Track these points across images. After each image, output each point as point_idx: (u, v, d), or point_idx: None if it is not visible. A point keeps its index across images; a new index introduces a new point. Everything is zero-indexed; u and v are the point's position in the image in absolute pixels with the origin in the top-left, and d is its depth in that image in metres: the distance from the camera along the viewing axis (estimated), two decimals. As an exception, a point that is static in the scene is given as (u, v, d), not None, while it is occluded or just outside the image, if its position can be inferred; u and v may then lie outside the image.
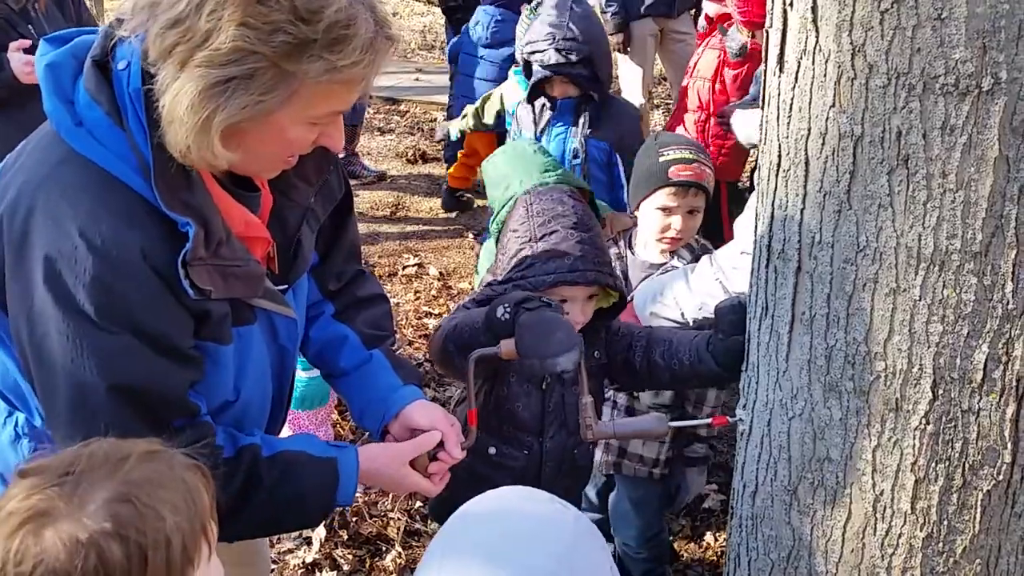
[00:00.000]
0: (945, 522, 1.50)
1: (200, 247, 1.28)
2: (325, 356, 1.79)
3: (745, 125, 2.59)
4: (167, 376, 1.34)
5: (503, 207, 2.36)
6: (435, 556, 1.12)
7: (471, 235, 5.62)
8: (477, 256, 4.57)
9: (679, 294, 2.20)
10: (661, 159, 2.47)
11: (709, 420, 1.90)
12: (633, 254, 2.53)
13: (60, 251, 1.24)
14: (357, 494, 3.16)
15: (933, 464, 1.47)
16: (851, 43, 1.35)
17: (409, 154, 6.88)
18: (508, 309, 1.70)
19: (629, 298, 2.38)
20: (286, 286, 1.58)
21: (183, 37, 1.18)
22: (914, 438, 1.47)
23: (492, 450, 2.02)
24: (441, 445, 1.66)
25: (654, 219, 2.47)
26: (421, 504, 3.14)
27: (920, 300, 1.40)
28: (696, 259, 2.43)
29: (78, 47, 1.33)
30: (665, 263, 2.48)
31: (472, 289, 4.78)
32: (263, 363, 1.56)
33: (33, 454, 1.18)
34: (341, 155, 6.07)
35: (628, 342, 2.04)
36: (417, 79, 8.62)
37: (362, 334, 1.77)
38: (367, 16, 1.24)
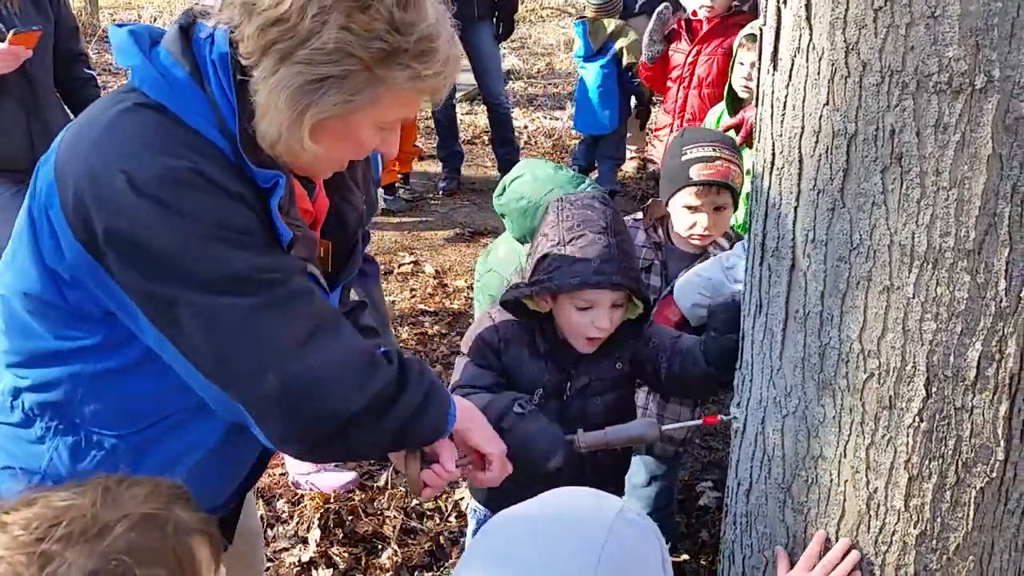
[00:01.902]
0: (939, 519, 1.50)
1: (284, 200, 1.37)
2: None
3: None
4: (289, 262, 1.39)
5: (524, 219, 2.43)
6: (472, 554, 1.15)
7: (467, 232, 5.63)
8: (474, 256, 4.57)
9: (719, 284, 2.19)
10: (683, 158, 2.46)
11: (700, 421, 1.90)
12: (672, 243, 2.54)
13: (157, 172, 1.26)
14: (353, 490, 3.17)
15: (927, 462, 1.47)
16: (845, 41, 1.35)
17: (406, 151, 6.87)
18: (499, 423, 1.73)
19: (667, 291, 2.38)
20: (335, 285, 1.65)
21: (285, 35, 1.26)
22: (908, 436, 1.47)
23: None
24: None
25: (681, 217, 2.47)
26: (417, 503, 3.14)
27: (914, 298, 1.40)
28: (732, 246, 2.45)
29: (152, 29, 1.39)
30: (703, 252, 2.49)
31: (469, 285, 4.78)
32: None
33: (23, 492, 1.15)
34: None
35: (657, 353, 2.02)
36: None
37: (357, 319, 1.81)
38: (448, 34, 1.35)
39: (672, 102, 4.43)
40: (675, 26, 4.42)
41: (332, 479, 3.16)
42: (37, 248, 1.35)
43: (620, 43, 5.66)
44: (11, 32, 2.94)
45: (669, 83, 4.46)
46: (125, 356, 1.40)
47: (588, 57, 5.77)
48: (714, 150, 2.46)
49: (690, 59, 4.32)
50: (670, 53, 4.42)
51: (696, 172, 2.42)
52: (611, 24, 5.70)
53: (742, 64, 3.43)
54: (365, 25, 1.26)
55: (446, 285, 4.94)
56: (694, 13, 4.37)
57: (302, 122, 1.30)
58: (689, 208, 2.45)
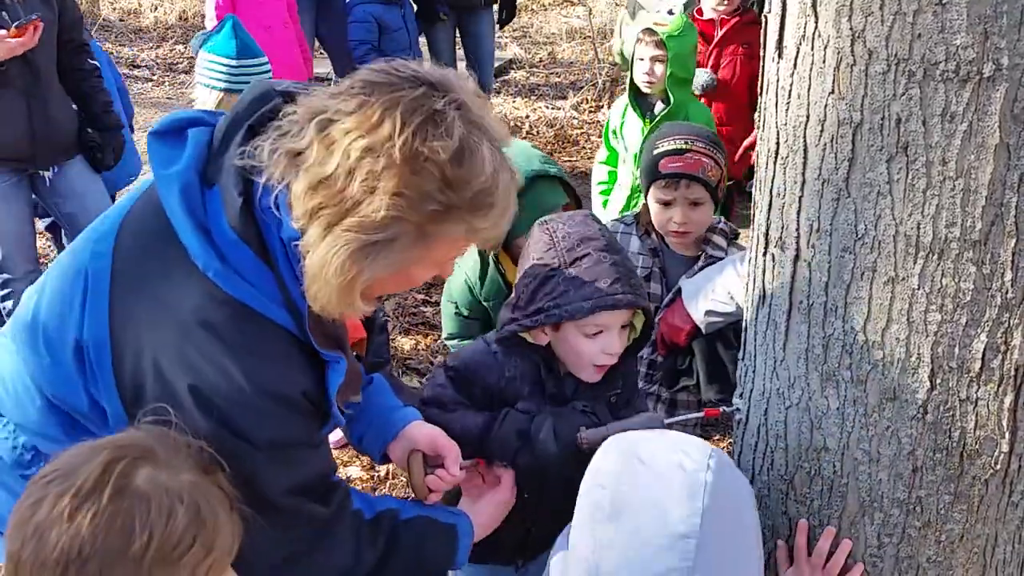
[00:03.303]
0: (942, 511, 1.50)
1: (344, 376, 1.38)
2: None
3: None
4: (323, 462, 1.46)
5: None
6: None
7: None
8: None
9: (733, 287, 2.14)
10: (655, 152, 2.42)
11: (701, 413, 1.89)
12: (668, 247, 2.50)
13: (217, 390, 1.26)
14: (356, 476, 3.17)
15: (930, 453, 1.47)
16: (851, 28, 1.34)
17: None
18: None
19: (669, 297, 2.36)
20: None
21: (332, 200, 1.19)
22: (911, 427, 1.46)
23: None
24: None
25: (656, 212, 2.43)
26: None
27: (919, 289, 1.39)
28: (730, 243, 2.42)
29: (197, 159, 1.31)
30: (701, 254, 2.45)
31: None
32: None
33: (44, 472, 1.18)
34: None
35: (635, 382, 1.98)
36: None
37: (362, 360, 1.80)
38: (506, 183, 1.27)
39: None
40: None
41: None
42: (87, 380, 1.34)
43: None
44: (14, 25, 2.93)
45: None
46: None
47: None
48: (685, 143, 2.38)
49: (710, 62, 4.18)
50: None
51: (664, 165, 2.38)
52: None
53: (642, 60, 3.36)
54: (416, 188, 1.17)
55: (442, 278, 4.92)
56: (699, 12, 4.24)
57: (353, 287, 1.24)
58: (662, 203, 2.41)
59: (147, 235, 1.33)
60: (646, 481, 1.24)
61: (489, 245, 1.38)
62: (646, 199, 2.49)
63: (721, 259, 2.38)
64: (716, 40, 4.14)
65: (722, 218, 2.54)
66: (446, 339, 2.76)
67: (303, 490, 1.39)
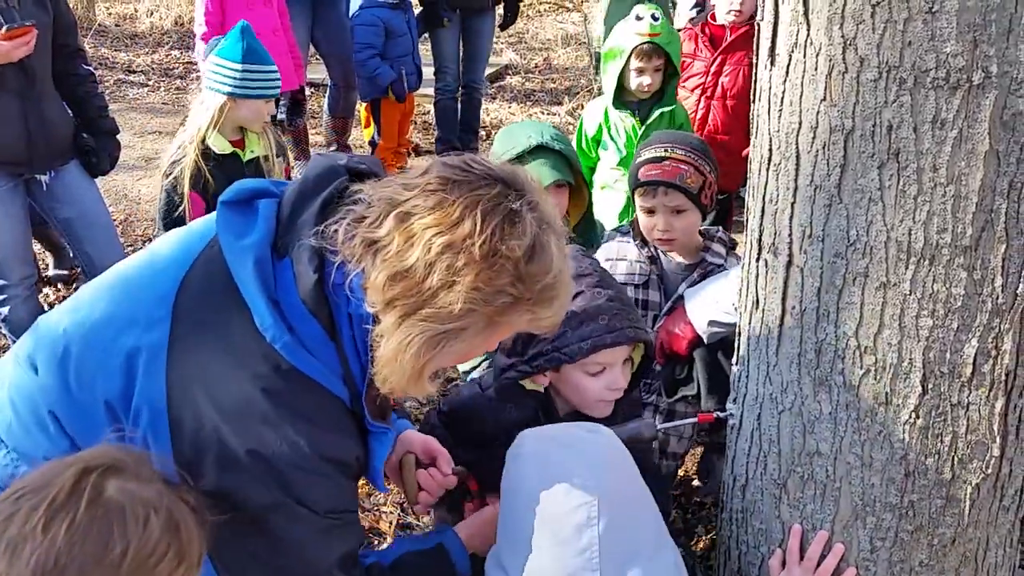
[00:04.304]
0: (934, 515, 1.50)
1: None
2: None
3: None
4: (360, 529, 1.52)
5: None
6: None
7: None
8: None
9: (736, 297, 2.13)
10: (637, 160, 2.45)
11: (694, 419, 1.89)
12: (666, 255, 2.50)
13: (281, 457, 1.29)
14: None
15: (922, 458, 1.47)
16: (842, 36, 1.35)
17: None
18: None
19: (669, 305, 2.36)
20: None
21: (410, 291, 1.22)
22: (903, 432, 1.47)
23: None
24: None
25: (642, 220, 2.45)
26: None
27: (910, 294, 1.40)
28: (729, 252, 2.42)
29: (268, 232, 1.34)
30: (699, 262, 2.45)
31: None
32: None
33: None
34: (332, 148, 5.96)
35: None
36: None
37: None
38: (568, 277, 1.32)
39: (691, 112, 4.26)
40: (696, 31, 4.25)
41: None
42: (119, 431, 1.32)
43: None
44: (4, 28, 2.93)
45: (683, 91, 4.28)
46: None
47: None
48: (665, 150, 2.40)
49: (713, 68, 4.16)
50: (687, 61, 4.22)
51: (644, 173, 2.39)
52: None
53: (640, 71, 3.38)
54: (491, 282, 1.22)
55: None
56: (712, 17, 4.22)
57: (423, 373, 1.29)
58: (645, 210, 2.41)
59: (209, 303, 1.34)
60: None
61: (545, 331, 1.42)
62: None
63: (720, 267, 2.39)
64: (722, 48, 4.12)
65: (720, 228, 2.55)
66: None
67: (350, 561, 1.45)
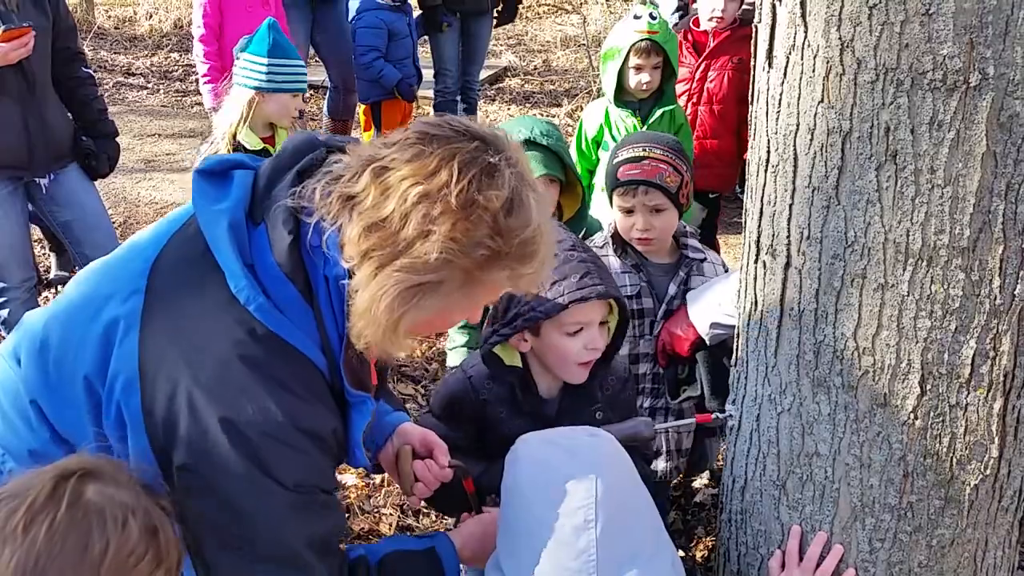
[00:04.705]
0: (933, 516, 1.51)
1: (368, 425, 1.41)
2: None
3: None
4: (338, 516, 1.47)
5: None
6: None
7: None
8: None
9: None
10: (615, 160, 2.46)
11: (693, 420, 1.90)
12: (647, 260, 2.50)
13: (252, 424, 1.26)
14: (352, 483, 3.17)
15: (921, 459, 1.48)
16: (840, 38, 1.35)
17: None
18: None
19: (663, 310, 2.36)
20: None
21: (386, 242, 1.21)
22: (902, 433, 1.47)
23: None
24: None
25: (620, 221, 2.46)
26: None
27: (908, 295, 1.40)
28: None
29: (243, 199, 1.34)
30: (680, 259, 2.45)
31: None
32: None
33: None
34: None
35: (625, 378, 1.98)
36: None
37: None
38: (549, 234, 1.31)
39: None
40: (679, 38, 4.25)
41: None
42: (97, 413, 1.33)
43: None
44: (2, 29, 2.93)
45: None
46: None
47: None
48: (643, 150, 2.41)
49: (698, 74, 4.16)
50: None
51: (623, 173, 2.40)
52: None
53: (639, 68, 3.41)
54: (468, 233, 1.21)
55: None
56: (696, 23, 4.22)
57: (399, 327, 1.26)
58: (624, 210, 2.42)
59: (184, 271, 1.34)
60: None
61: (522, 292, 1.41)
62: (611, 208, 2.51)
63: (702, 260, 2.42)
64: (706, 53, 4.12)
65: (685, 224, 2.56)
66: (451, 347, 2.78)
67: (322, 545, 1.39)
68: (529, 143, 2.50)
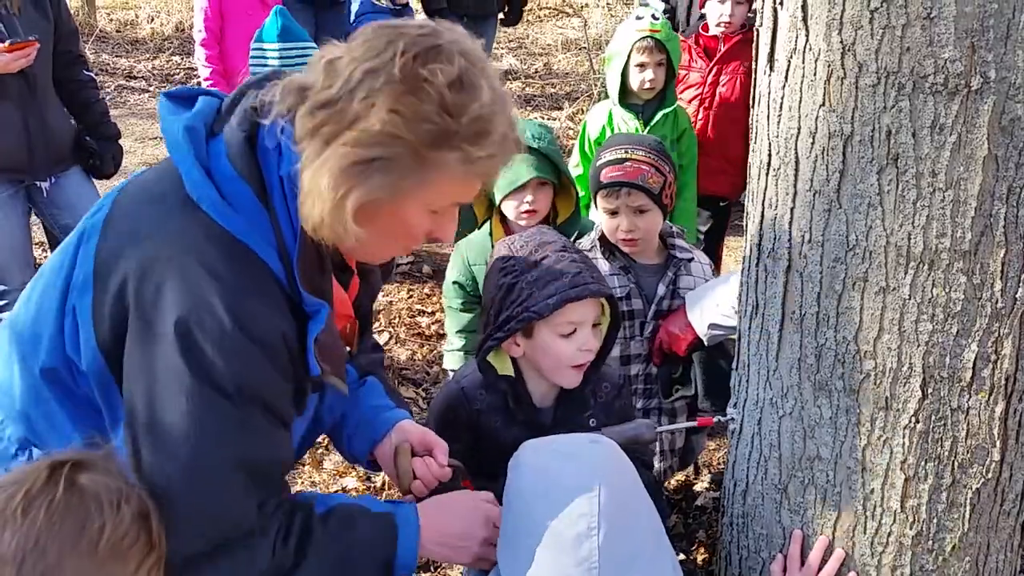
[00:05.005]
0: (935, 520, 1.50)
1: (325, 328, 1.35)
2: None
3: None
4: (282, 449, 1.38)
5: None
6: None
7: (465, 231, 5.62)
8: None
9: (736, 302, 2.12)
10: (598, 163, 2.47)
11: (695, 422, 1.90)
12: (635, 261, 2.51)
13: (201, 324, 1.24)
14: (352, 486, 3.16)
15: (923, 462, 1.47)
16: (841, 42, 1.35)
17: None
18: None
19: (653, 311, 2.37)
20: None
21: (332, 117, 1.22)
22: (904, 436, 1.47)
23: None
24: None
25: (605, 223, 2.46)
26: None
27: (910, 299, 1.40)
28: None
29: (205, 113, 1.36)
30: (668, 259, 2.45)
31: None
32: (303, 429, 1.59)
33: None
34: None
35: (619, 386, 1.98)
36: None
37: (359, 368, 1.80)
38: (504, 115, 1.29)
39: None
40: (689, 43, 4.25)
41: None
42: (61, 336, 1.35)
43: None
44: (8, 41, 2.94)
45: (680, 102, 4.23)
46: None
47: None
48: (625, 152, 2.42)
49: (710, 79, 4.16)
50: (682, 73, 4.07)
51: (606, 175, 2.41)
52: None
53: (642, 66, 3.42)
54: (413, 107, 1.21)
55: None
56: (704, 28, 4.22)
57: (345, 205, 1.24)
58: (608, 212, 2.42)
59: (149, 188, 1.37)
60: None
61: (485, 182, 1.36)
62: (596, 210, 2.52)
63: (688, 260, 2.43)
64: (717, 57, 4.12)
65: (671, 223, 2.56)
66: (448, 349, 2.78)
67: (252, 470, 1.30)
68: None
